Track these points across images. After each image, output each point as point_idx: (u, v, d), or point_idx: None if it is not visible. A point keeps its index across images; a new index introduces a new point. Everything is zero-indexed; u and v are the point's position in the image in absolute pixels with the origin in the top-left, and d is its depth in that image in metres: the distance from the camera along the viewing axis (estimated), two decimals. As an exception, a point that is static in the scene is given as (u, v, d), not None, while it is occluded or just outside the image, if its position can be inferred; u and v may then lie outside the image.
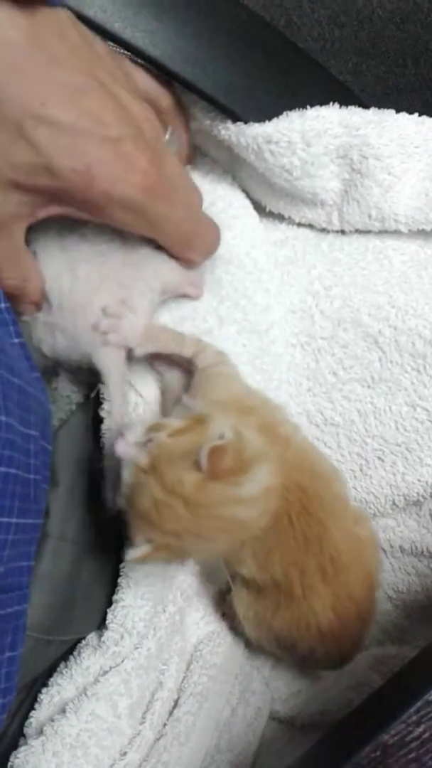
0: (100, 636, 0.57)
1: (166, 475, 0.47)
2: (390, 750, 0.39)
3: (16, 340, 0.48)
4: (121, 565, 0.59)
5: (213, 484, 0.47)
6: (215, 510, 0.48)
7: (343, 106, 0.57)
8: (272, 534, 0.53)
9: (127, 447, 0.50)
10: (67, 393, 0.62)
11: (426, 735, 0.39)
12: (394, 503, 0.62)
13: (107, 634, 0.57)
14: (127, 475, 0.49)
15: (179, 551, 0.51)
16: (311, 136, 0.56)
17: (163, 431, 0.50)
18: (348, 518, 0.57)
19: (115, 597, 0.58)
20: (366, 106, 0.59)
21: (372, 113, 0.58)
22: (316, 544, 0.54)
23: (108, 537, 0.60)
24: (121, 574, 0.59)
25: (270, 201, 0.63)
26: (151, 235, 0.52)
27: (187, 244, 0.54)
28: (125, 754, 0.55)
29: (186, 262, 0.56)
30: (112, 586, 0.59)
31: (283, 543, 0.54)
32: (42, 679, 0.57)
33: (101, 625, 0.58)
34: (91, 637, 0.58)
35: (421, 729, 0.39)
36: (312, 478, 0.55)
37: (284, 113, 0.56)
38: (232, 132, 0.56)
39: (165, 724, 0.58)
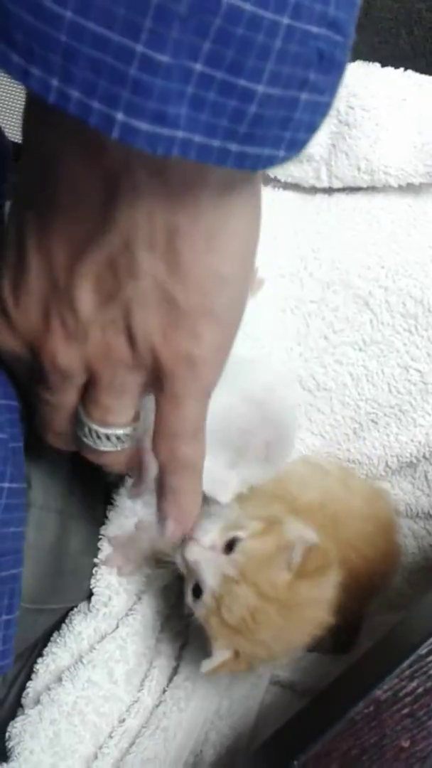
0: (90, 602, 0.58)
1: (260, 581, 0.48)
2: (383, 705, 0.38)
3: None
4: (102, 528, 0.59)
5: (301, 585, 0.48)
6: (304, 612, 0.49)
7: None
8: None
9: (203, 552, 0.49)
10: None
11: (420, 690, 0.39)
12: (387, 465, 0.62)
13: (94, 598, 0.57)
14: (214, 584, 0.49)
15: (255, 660, 0.51)
16: None
17: (242, 533, 0.50)
18: None
19: (96, 560, 0.58)
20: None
21: (357, 65, 0.58)
22: None
23: (94, 506, 0.60)
24: (101, 537, 0.59)
25: None
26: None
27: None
28: (123, 720, 0.56)
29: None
30: None
31: None
32: (38, 650, 0.57)
33: (91, 591, 0.58)
34: (82, 604, 0.58)
35: (414, 684, 0.39)
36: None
37: None
38: None
39: (164, 691, 0.58)
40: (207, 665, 0.49)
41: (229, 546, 0.50)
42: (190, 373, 0.37)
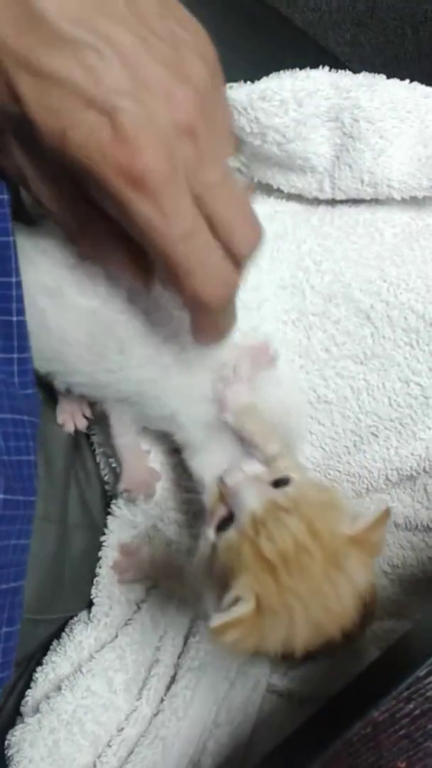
0: (90, 611, 0.58)
1: (317, 520, 0.44)
2: (380, 726, 0.39)
3: None
4: (102, 538, 0.59)
5: (354, 551, 0.45)
6: (346, 583, 0.45)
7: (333, 70, 0.57)
8: None
9: (248, 478, 0.47)
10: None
11: (417, 711, 0.39)
12: (387, 478, 0.62)
13: (95, 608, 0.58)
14: (257, 506, 0.45)
15: (271, 632, 0.44)
16: (302, 96, 0.55)
17: (295, 475, 0.47)
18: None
19: (97, 570, 0.59)
20: (358, 75, 0.58)
21: (363, 77, 0.58)
22: None
23: (93, 515, 0.60)
24: (102, 547, 0.59)
25: (258, 171, 0.62)
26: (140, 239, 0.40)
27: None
28: (122, 729, 0.56)
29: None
30: None
31: None
32: (36, 659, 0.57)
33: (91, 601, 0.59)
34: (83, 614, 0.59)
35: (411, 705, 0.39)
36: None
37: (274, 73, 0.56)
38: (228, 98, 0.54)
39: (162, 700, 0.58)
40: (219, 618, 0.42)
41: (278, 484, 0.47)
42: None
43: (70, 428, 0.59)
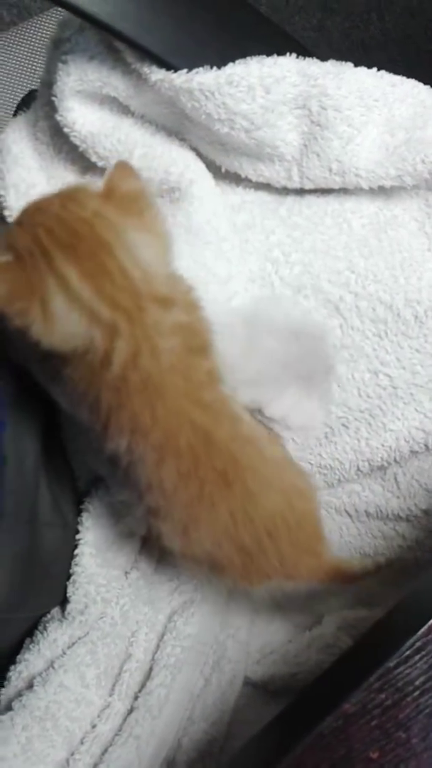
0: (64, 609, 0.58)
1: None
2: (352, 718, 0.39)
3: None
4: (78, 536, 0.59)
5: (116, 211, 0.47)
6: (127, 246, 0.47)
7: (300, 57, 0.57)
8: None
9: None
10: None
11: (388, 702, 0.39)
12: (358, 469, 0.62)
13: (70, 606, 0.57)
14: None
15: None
16: (270, 83, 0.55)
17: None
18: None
19: (73, 569, 0.58)
20: (325, 62, 0.58)
21: (330, 65, 0.57)
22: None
23: (65, 513, 0.59)
24: (78, 544, 0.59)
25: (225, 160, 0.61)
26: None
27: None
28: (95, 726, 0.56)
29: None
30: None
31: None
32: (8, 658, 0.57)
33: (64, 599, 0.58)
34: (56, 611, 0.58)
35: (383, 696, 0.39)
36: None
37: (242, 59, 0.55)
38: (194, 81, 0.53)
39: (137, 697, 0.58)
40: None
41: None
42: None
43: None
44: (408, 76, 0.60)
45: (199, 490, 0.50)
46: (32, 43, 1.35)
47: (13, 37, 1.34)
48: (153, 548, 0.64)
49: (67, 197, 0.48)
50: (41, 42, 1.35)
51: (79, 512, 0.61)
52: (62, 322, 0.45)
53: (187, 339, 0.49)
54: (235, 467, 0.50)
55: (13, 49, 1.34)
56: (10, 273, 0.45)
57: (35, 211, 0.47)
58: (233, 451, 0.50)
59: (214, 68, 0.54)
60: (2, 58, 1.34)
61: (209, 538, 0.52)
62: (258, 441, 0.53)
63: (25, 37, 1.35)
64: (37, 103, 0.62)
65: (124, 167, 0.49)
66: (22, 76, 1.35)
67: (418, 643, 0.39)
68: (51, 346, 0.46)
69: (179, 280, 0.50)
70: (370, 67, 0.59)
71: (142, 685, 0.59)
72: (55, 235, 0.45)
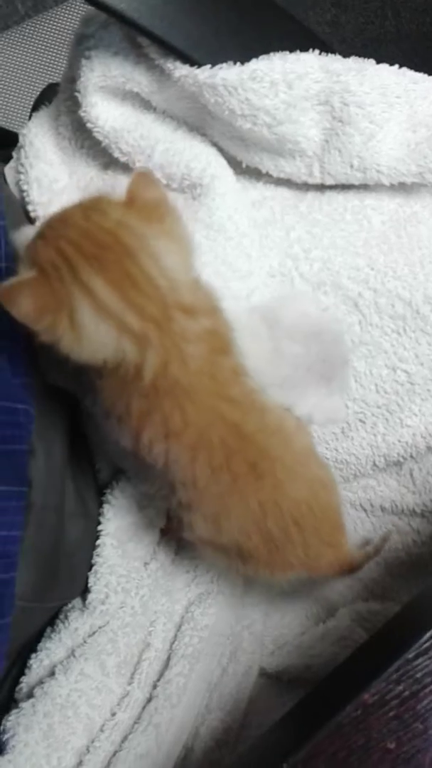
0: (85, 599, 0.58)
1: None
2: (370, 709, 0.40)
3: None
4: (99, 527, 0.60)
5: (140, 221, 0.48)
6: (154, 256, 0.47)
7: (323, 54, 0.57)
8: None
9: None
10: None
11: (406, 693, 0.40)
12: (374, 464, 0.63)
13: (91, 596, 0.58)
14: None
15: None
16: (292, 78, 0.55)
17: None
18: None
19: (95, 559, 0.59)
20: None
21: (353, 61, 0.57)
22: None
23: (86, 502, 0.60)
24: (100, 535, 0.59)
25: (246, 156, 0.61)
26: None
27: None
28: (114, 714, 0.57)
29: None
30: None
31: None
32: (29, 646, 0.58)
33: (86, 589, 0.59)
34: (77, 601, 0.59)
35: (401, 687, 0.40)
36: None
37: (265, 55, 0.55)
38: (217, 77, 0.53)
39: (156, 686, 0.59)
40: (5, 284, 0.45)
41: None
42: None
43: None
44: (422, 73, 0.60)
45: (231, 481, 0.50)
46: (48, 36, 1.35)
47: (28, 30, 1.34)
48: (171, 540, 0.65)
49: (89, 207, 0.48)
50: (57, 35, 1.35)
51: (100, 503, 0.62)
52: (91, 333, 0.45)
53: (212, 342, 0.49)
54: (264, 458, 0.51)
55: (29, 42, 1.35)
56: (35, 288, 0.45)
57: (57, 223, 0.47)
58: (262, 442, 0.51)
59: (238, 64, 0.55)
60: (18, 50, 1.35)
61: (238, 527, 0.52)
62: (286, 431, 0.53)
63: (41, 30, 1.35)
64: (58, 97, 0.63)
65: (144, 175, 0.49)
66: (39, 68, 1.35)
67: (437, 636, 0.39)
68: (81, 359, 0.46)
69: (201, 285, 0.51)
70: (385, 62, 0.59)
71: (161, 674, 0.59)
72: (79, 247, 0.45)
